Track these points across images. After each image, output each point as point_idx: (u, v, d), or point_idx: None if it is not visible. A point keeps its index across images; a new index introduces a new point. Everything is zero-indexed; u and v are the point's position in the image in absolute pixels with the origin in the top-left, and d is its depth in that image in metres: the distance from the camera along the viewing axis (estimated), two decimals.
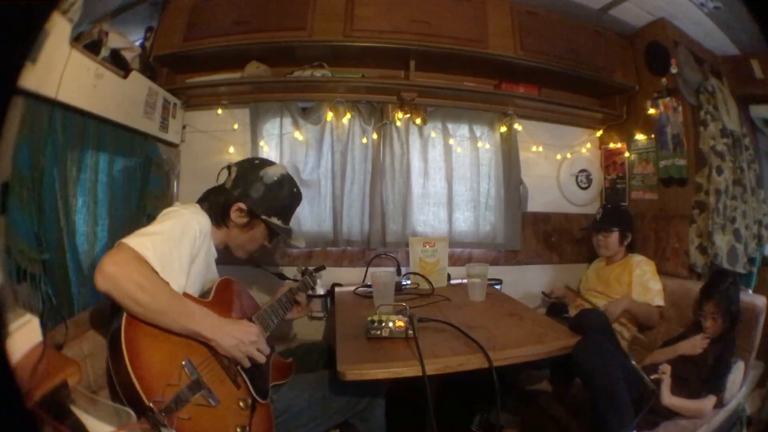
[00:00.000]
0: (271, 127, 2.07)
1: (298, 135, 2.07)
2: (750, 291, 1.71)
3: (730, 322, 1.42)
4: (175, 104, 1.87)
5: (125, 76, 1.43)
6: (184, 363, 0.92)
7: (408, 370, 1.07)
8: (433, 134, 2.20)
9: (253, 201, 1.21)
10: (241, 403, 1.00)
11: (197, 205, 1.19)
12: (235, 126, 2.06)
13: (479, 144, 2.24)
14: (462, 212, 2.25)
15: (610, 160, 2.39)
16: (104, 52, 1.42)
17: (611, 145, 2.36)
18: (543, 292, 2.15)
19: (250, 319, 1.19)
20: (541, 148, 2.34)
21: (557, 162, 2.38)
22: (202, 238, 1.10)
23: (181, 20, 1.86)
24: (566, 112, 2.32)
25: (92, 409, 0.75)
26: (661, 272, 1.85)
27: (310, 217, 2.10)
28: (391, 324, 1.24)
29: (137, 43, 1.78)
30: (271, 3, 1.87)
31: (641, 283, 1.79)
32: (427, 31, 1.90)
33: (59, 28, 1.03)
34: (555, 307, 2.07)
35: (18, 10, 0.63)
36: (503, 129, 2.23)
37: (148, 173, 1.65)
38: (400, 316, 1.26)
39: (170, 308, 0.92)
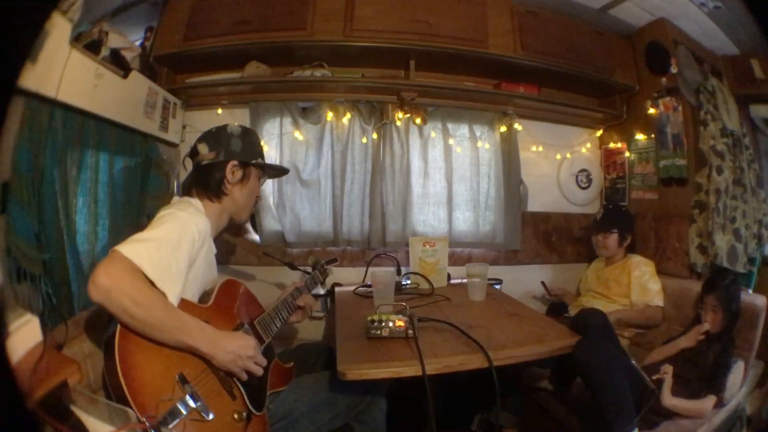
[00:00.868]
0: (271, 127, 2.07)
1: (298, 135, 2.07)
2: (750, 291, 1.71)
3: (730, 320, 1.42)
4: (175, 104, 1.87)
5: (125, 76, 1.43)
6: (177, 377, 0.90)
7: (408, 369, 1.07)
8: (433, 134, 2.20)
9: (239, 154, 1.22)
10: (236, 416, 0.98)
11: (192, 203, 1.16)
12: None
13: (479, 144, 2.24)
14: (462, 212, 2.25)
15: (610, 159, 2.39)
16: (104, 52, 1.42)
17: (611, 145, 2.36)
18: (543, 282, 2.15)
19: (252, 323, 1.18)
20: (541, 148, 2.34)
21: (557, 162, 2.38)
22: (201, 240, 1.08)
23: (181, 20, 1.86)
24: (566, 111, 2.32)
25: (92, 409, 0.75)
26: (661, 272, 1.86)
27: (310, 217, 2.10)
28: (391, 324, 1.24)
29: (137, 43, 1.78)
30: (271, 3, 1.86)
31: (640, 284, 1.79)
32: (427, 31, 1.90)
33: (59, 28, 1.03)
34: (555, 307, 2.07)
35: (18, 10, 0.63)
36: (503, 129, 2.23)
37: (148, 173, 1.65)
38: (400, 316, 1.26)
39: (165, 323, 0.90)
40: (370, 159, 2.13)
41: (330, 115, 2.07)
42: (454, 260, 2.18)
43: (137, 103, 1.56)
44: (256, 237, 2.09)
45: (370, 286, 1.74)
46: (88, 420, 0.72)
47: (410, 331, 1.22)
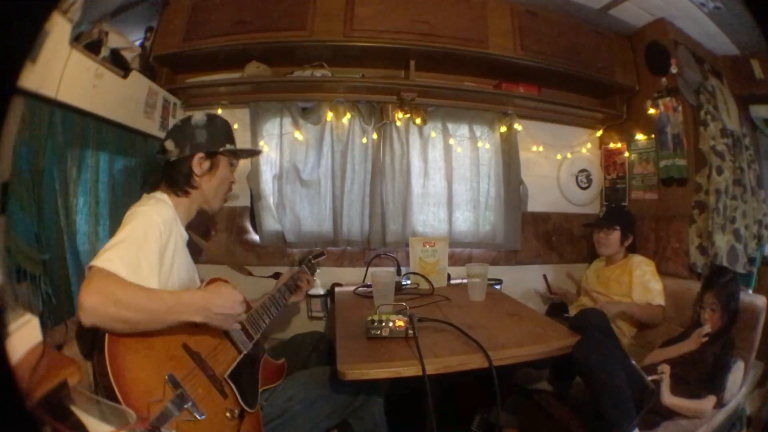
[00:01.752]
0: (271, 127, 2.07)
1: (298, 135, 2.07)
2: (750, 291, 1.71)
3: (729, 318, 1.42)
4: (175, 104, 1.87)
5: (125, 76, 1.43)
6: (167, 377, 0.90)
7: (408, 369, 1.07)
8: (433, 134, 2.20)
9: (204, 145, 1.21)
10: (228, 414, 0.98)
11: (155, 195, 1.16)
12: (235, 126, 2.03)
13: (479, 144, 2.24)
14: (462, 212, 2.25)
15: (610, 160, 2.39)
16: (104, 52, 1.42)
17: (611, 145, 2.36)
18: (545, 276, 2.15)
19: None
20: (541, 148, 2.34)
21: (557, 162, 2.38)
22: (168, 227, 1.08)
23: (181, 20, 1.86)
24: (566, 112, 2.32)
25: (92, 409, 0.75)
26: (661, 272, 1.85)
27: (310, 217, 2.10)
28: (391, 324, 1.24)
29: (137, 43, 1.77)
30: (271, 3, 1.86)
31: (641, 283, 1.79)
32: (427, 31, 1.90)
33: (59, 28, 1.03)
34: (555, 307, 2.07)
35: (18, 10, 0.63)
36: (503, 129, 2.23)
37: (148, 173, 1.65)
38: (400, 316, 1.26)
39: (155, 311, 0.90)
40: (370, 159, 2.13)
41: (330, 115, 2.07)
42: (454, 260, 2.18)
43: (137, 103, 1.56)
44: (256, 237, 2.09)
45: (370, 286, 1.74)
46: (88, 420, 0.72)
47: (410, 331, 1.22)
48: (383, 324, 1.25)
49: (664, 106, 1.99)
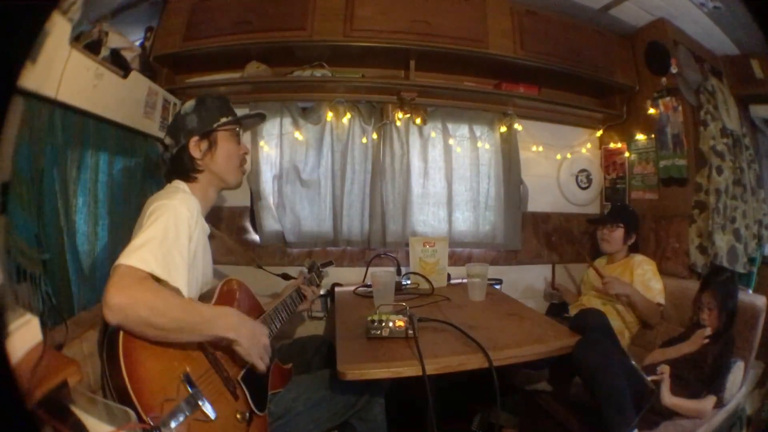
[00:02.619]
0: (271, 127, 2.07)
1: (298, 135, 2.07)
2: (750, 291, 1.71)
3: (727, 317, 1.42)
4: (175, 104, 1.87)
5: (125, 76, 1.43)
6: (182, 377, 0.90)
7: (408, 369, 1.07)
8: (433, 134, 2.20)
9: (196, 128, 1.19)
10: (238, 416, 0.99)
11: (179, 187, 1.16)
12: None
13: (479, 144, 2.24)
14: (462, 212, 2.25)
15: (610, 160, 2.39)
16: (104, 52, 1.42)
17: (611, 145, 2.37)
18: (553, 266, 2.16)
19: None
20: (541, 148, 2.34)
21: (557, 162, 2.38)
22: (195, 220, 1.07)
23: (181, 20, 1.86)
24: (566, 112, 2.32)
25: (92, 409, 0.74)
26: (661, 272, 1.86)
27: (310, 217, 2.10)
28: (391, 324, 1.24)
29: (137, 43, 1.77)
30: (271, 3, 1.86)
31: (643, 282, 1.79)
32: (427, 31, 1.90)
33: (59, 28, 1.03)
34: (555, 307, 2.07)
35: (18, 10, 0.63)
36: (503, 129, 2.23)
37: (148, 173, 1.65)
38: (400, 316, 1.26)
39: (187, 322, 0.90)
40: (370, 159, 2.13)
41: (330, 115, 2.07)
42: (454, 260, 2.18)
43: (137, 103, 1.56)
44: (256, 237, 2.09)
45: (370, 286, 1.74)
46: (88, 420, 0.72)
47: (410, 331, 1.22)
48: (383, 324, 1.25)
49: (664, 106, 1.99)
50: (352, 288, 1.93)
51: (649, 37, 2.06)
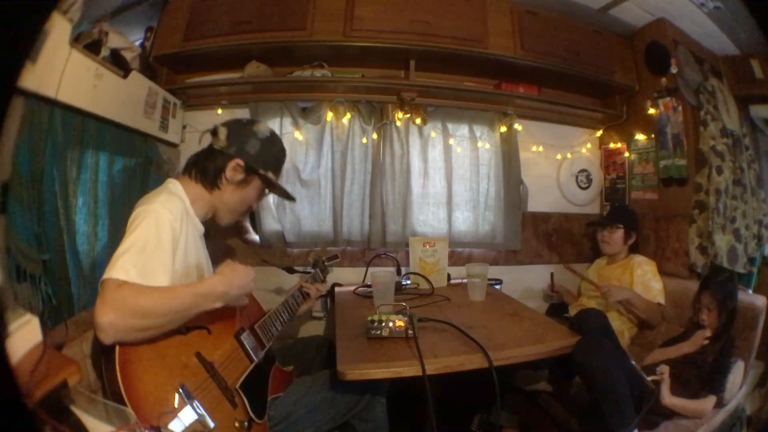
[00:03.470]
0: (271, 127, 2.06)
1: (298, 135, 2.07)
2: (750, 291, 1.71)
3: (727, 317, 1.42)
4: (175, 104, 1.87)
5: (125, 76, 1.43)
6: (180, 389, 0.89)
7: (408, 369, 1.07)
8: (433, 134, 2.20)
9: (250, 156, 1.15)
10: (237, 424, 0.98)
11: (167, 187, 1.11)
12: None
13: (479, 144, 2.24)
14: (462, 212, 2.25)
15: (610, 160, 2.39)
16: (104, 52, 1.42)
17: (611, 145, 2.37)
18: (552, 274, 2.15)
19: (253, 328, 1.18)
20: (541, 148, 2.34)
21: (557, 162, 2.39)
22: (180, 222, 1.03)
23: (181, 20, 1.86)
24: (566, 112, 2.32)
25: (92, 409, 0.74)
26: (661, 272, 1.85)
27: (310, 217, 2.10)
28: (391, 324, 1.24)
29: (137, 43, 1.77)
30: (271, 3, 1.86)
31: (643, 282, 1.79)
32: (427, 31, 1.90)
33: (59, 28, 1.03)
34: (555, 307, 2.07)
35: (18, 10, 0.63)
36: (503, 129, 2.23)
37: (148, 173, 1.65)
38: (400, 316, 1.26)
39: (175, 312, 0.89)
40: (370, 159, 2.13)
41: (330, 115, 2.07)
42: (454, 260, 2.18)
43: (137, 103, 1.56)
44: (255, 237, 2.09)
45: (370, 286, 1.74)
46: (88, 420, 0.72)
47: (410, 331, 1.22)
48: (383, 324, 1.24)
49: (664, 106, 1.99)
50: (352, 288, 1.93)
51: (649, 37, 2.06)
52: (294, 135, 2.07)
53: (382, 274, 1.69)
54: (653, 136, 2.09)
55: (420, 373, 1.05)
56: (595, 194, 2.44)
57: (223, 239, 2.07)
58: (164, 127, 1.77)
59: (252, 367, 1.11)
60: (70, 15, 1.06)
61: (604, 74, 2.15)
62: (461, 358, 1.12)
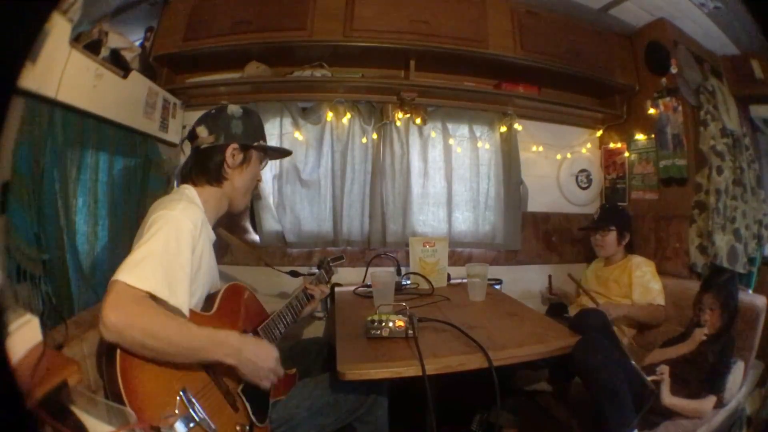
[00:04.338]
0: (271, 127, 2.06)
1: (298, 135, 2.07)
2: (750, 291, 1.71)
3: (728, 318, 1.42)
4: (175, 104, 1.87)
5: (125, 76, 1.43)
6: (181, 392, 0.89)
7: (408, 369, 1.07)
8: (433, 134, 2.20)
9: (240, 137, 1.17)
10: (238, 428, 0.98)
11: (185, 194, 1.12)
12: None
13: (479, 144, 2.24)
14: (462, 212, 2.25)
15: (610, 160, 2.39)
16: (104, 52, 1.42)
17: (611, 145, 2.37)
18: (550, 276, 2.15)
19: (256, 330, 1.17)
20: (541, 148, 2.34)
21: (557, 162, 2.39)
22: (198, 231, 1.03)
23: (181, 20, 1.86)
24: (566, 112, 2.32)
25: (92, 409, 0.74)
26: (661, 272, 1.85)
27: (310, 217, 2.10)
28: (391, 324, 1.24)
29: (137, 43, 1.77)
30: (271, 3, 1.87)
31: (641, 284, 1.79)
32: (427, 31, 1.90)
33: (59, 28, 1.03)
34: (555, 307, 2.07)
35: (18, 10, 0.63)
36: (503, 129, 2.23)
37: (148, 173, 1.65)
38: (400, 316, 1.26)
39: (184, 347, 0.88)
40: (370, 159, 2.13)
41: (330, 115, 2.07)
42: (454, 260, 2.18)
43: (137, 103, 1.56)
44: (256, 237, 2.09)
45: (370, 286, 1.74)
46: (88, 420, 0.71)
47: (410, 331, 1.22)
48: (383, 324, 1.24)
49: (664, 106, 1.99)
50: (352, 288, 1.93)
51: (649, 37, 2.06)
52: (294, 135, 2.07)
53: (382, 274, 1.69)
54: (653, 136, 2.09)
55: (420, 373, 1.05)
56: (595, 194, 2.44)
57: (222, 240, 2.07)
58: (164, 127, 1.77)
59: None
60: (70, 15, 1.06)
61: (604, 74, 2.15)
62: (461, 358, 1.12)
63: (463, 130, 2.24)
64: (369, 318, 1.27)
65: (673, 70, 1.92)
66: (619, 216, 1.98)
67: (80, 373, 0.74)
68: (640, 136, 2.19)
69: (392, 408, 1.28)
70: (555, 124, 2.37)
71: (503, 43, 1.99)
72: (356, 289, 1.92)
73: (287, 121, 2.07)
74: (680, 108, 1.93)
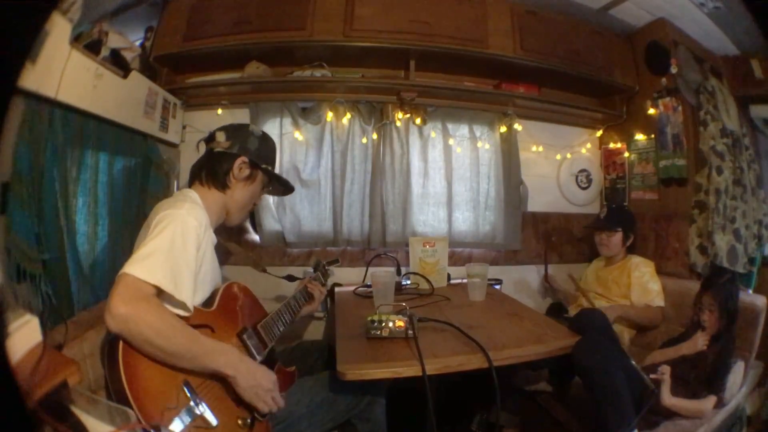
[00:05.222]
0: (271, 127, 2.06)
1: (298, 135, 2.07)
2: (750, 291, 1.71)
3: (728, 319, 1.42)
4: (175, 104, 1.87)
5: (125, 76, 1.43)
6: (183, 384, 0.90)
7: (408, 369, 1.07)
8: (433, 134, 2.20)
9: (252, 153, 1.22)
10: (239, 421, 0.98)
11: (189, 196, 1.15)
12: None
13: (479, 144, 2.24)
14: (462, 212, 2.25)
15: (610, 160, 2.39)
16: (104, 52, 1.42)
17: (611, 145, 2.37)
18: (546, 277, 2.15)
19: (255, 328, 1.18)
20: (541, 148, 2.34)
21: (557, 162, 2.39)
22: (204, 230, 1.06)
23: (181, 20, 1.86)
24: (566, 112, 2.32)
25: (92, 409, 0.74)
26: (661, 272, 1.85)
27: (310, 217, 2.10)
28: (391, 324, 1.24)
29: (137, 43, 1.77)
30: (271, 3, 1.86)
31: (640, 284, 1.79)
32: (427, 31, 1.90)
33: (59, 28, 1.03)
34: (555, 307, 2.07)
35: (18, 10, 0.63)
36: (503, 129, 2.23)
37: (148, 173, 1.65)
38: (400, 316, 1.26)
39: (188, 350, 0.89)
40: (370, 159, 2.13)
41: (330, 115, 2.07)
42: (454, 260, 2.18)
43: (137, 103, 1.56)
44: (255, 237, 2.09)
45: (370, 286, 1.74)
46: (88, 420, 0.72)
47: (410, 332, 1.22)
48: (383, 324, 1.24)
49: (664, 106, 1.99)
50: (352, 288, 1.93)
51: (649, 37, 2.06)
52: (294, 135, 2.07)
53: (382, 274, 1.69)
54: (653, 136, 2.09)
55: (420, 373, 1.05)
56: (595, 194, 2.44)
57: (222, 242, 2.07)
58: (164, 127, 1.77)
59: None
60: (70, 15, 1.06)
61: (604, 74, 2.15)
62: (461, 358, 1.12)
63: (463, 130, 2.24)
64: (369, 318, 1.27)
65: (673, 70, 1.92)
66: (626, 218, 1.98)
67: (80, 373, 0.74)
68: (640, 136, 2.19)
69: (392, 408, 1.28)
70: (555, 124, 2.37)
71: (503, 43, 1.99)
72: (356, 289, 1.92)
73: (287, 121, 2.07)
74: (680, 108, 1.93)
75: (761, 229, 1.88)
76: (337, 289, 1.98)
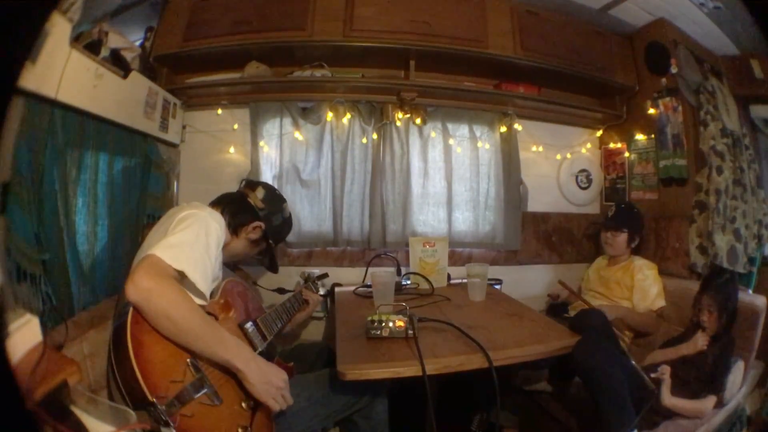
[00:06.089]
0: (271, 127, 2.07)
1: (298, 135, 2.07)
2: (750, 291, 1.71)
3: (727, 319, 1.42)
4: (175, 104, 1.87)
5: (125, 76, 1.43)
6: (189, 360, 0.91)
7: (408, 370, 1.07)
8: (433, 134, 2.20)
9: (272, 227, 1.37)
10: (243, 404, 0.99)
11: (204, 205, 1.20)
12: (235, 126, 2.06)
13: (479, 144, 2.24)
14: (462, 212, 2.25)
15: (610, 160, 2.39)
16: (104, 52, 1.42)
17: (611, 145, 2.37)
18: (549, 295, 2.14)
19: (255, 321, 1.19)
20: (541, 148, 2.34)
21: (557, 162, 2.38)
22: (222, 233, 1.13)
23: (181, 20, 1.86)
24: (566, 112, 2.32)
25: (92, 409, 0.74)
26: (661, 272, 1.85)
27: (310, 217, 2.10)
28: (391, 324, 1.24)
29: (137, 43, 1.77)
30: (271, 3, 1.86)
31: (642, 288, 1.79)
32: (427, 31, 1.90)
33: (59, 28, 1.02)
34: (555, 307, 2.07)
35: (18, 10, 0.63)
36: (503, 129, 2.23)
37: (148, 173, 1.65)
38: (400, 316, 1.26)
39: (204, 333, 0.91)
40: (370, 159, 2.13)
41: (330, 115, 2.07)
42: (454, 260, 2.18)
43: (137, 103, 1.56)
44: None
45: (370, 286, 1.74)
46: (88, 420, 0.72)
47: (410, 332, 1.22)
48: (383, 324, 1.25)
49: (664, 106, 1.99)
50: (352, 288, 1.93)
51: (649, 37, 2.06)
52: (294, 135, 2.07)
53: (382, 274, 1.69)
54: (653, 136, 2.09)
55: (420, 373, 1.05)
56: (595, 194, 2.44)
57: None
58: (164, 127, 1.77)
59: (257, 354, 1.11)
60: (70, 15, 1.06)
61: (604, 74, 2.15)
62: (461, 358, 1.12)
63: (463, 130, 2.24)
64: (369, 318, 1.27)
65: (673, 70, 1.92)
66: (634, 218, 1.96)
67: (80, 373, 0.74)
68: (640, 136, 2.19)
69: (393, 407, 1.28)
70: (555, 124, 2.37)
71: (503, 43, 1.99)
72: (356, 289, 1.92)
73: (287, 121, 2.07)
74: (680, 108, 1.93)
75: (761, 229, 1.88)
76: (337, 289, 1.98)
